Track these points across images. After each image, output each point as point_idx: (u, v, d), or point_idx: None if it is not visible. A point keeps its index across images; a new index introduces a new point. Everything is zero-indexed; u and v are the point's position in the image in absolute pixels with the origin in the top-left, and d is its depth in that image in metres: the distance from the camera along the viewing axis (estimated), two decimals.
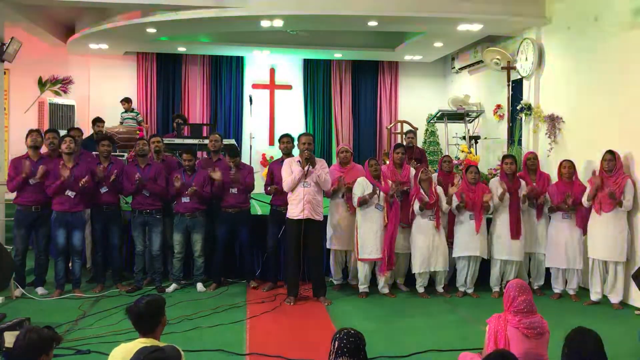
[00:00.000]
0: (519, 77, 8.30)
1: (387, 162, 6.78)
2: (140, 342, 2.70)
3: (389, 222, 5.96)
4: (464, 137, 9.25)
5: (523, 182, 6.30)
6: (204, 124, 10.28)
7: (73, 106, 10.14)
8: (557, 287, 6.27)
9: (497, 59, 8.59)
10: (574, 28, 7.17)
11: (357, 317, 5.46)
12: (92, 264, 6.53)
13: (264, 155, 11.21)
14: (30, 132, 6.06)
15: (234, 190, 6.36)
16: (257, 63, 11.55)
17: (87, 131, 8.38)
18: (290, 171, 5.82)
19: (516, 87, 8.46)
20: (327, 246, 6.34)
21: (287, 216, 5.93)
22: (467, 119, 9.36)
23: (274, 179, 6.34)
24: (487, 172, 7.84)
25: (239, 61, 11.51)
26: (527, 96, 8.08)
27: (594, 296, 5.99)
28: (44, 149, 6.27)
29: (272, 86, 11.69)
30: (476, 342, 4.34)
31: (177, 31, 9.21)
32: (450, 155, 9.23)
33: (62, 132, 8.28)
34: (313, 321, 5.35)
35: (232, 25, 8.56)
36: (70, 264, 6.19)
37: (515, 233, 6.19)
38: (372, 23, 8.13)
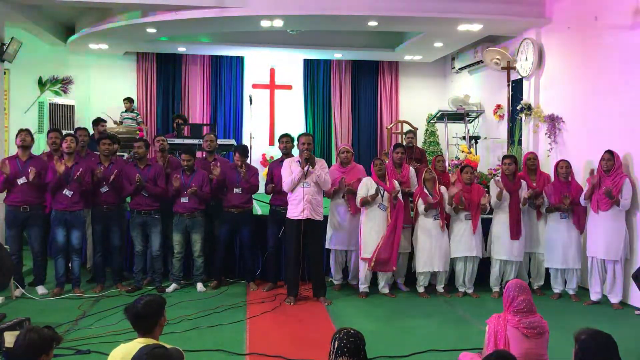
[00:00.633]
0: (519, 77, 8.31)
1: (387, 161, 6.78)
2: (139, 343, 2.70)
3: (391, 222, 5.96)
4: (464, 137, 9.25)
5: (524, 183, 6.30)
6: (204, 124, 10.29)
7: (73, 106, 10.13)
8: (556, 287, 6.27)
9: (497, 59, 8.59)
10: (574, 28, 7.17)
11: (357, 317, 5.46)
12: (93, 263, 6.53)
13: (264, 155, 11.22)
14: (20, 131, 6.05)
15: (238, 191, 6.35)
16: (257, 63, 11.54)
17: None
18: (290, 171, 5.82)
19: (516, 87, 8.46)
20: (327, 246, 6.34)
21: (287, 216, 5.93)
22: (467, 119, 9.36)
23: (273, 179, 6.34)
24: (487, 172, 7.84)
25: (239, 61, 11.51)
26: (527, 96, 8.08)
27: (594, 296, 5.99)
28: (44, 149, 6.27)
29: (272, 86, 11.69)
30: (476, 342, 4.34)
31: (177, 31, 9.22)
32: (451, 155, 9.24)
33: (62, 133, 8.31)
34: (313, 321, 5.35)
35: (232, 25, 8.56)
36: (70, 263, 6.19)
37: (515, 233, 6.19)
38: (372, 23, 8.14)
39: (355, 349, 2.51)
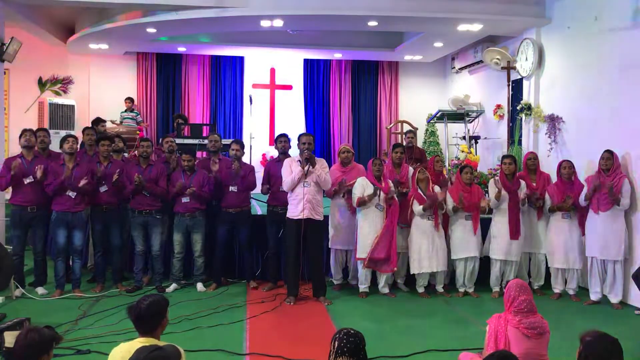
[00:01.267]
0: (519, 77, 8.31)
1: (387, 161, 6.79)
2: (140, 342, 2.70)
3: (386, 222, 5.95)
4: (464, 137, 9.25)
5: (523, 183, 6.30)
6: (204, 124, 10.28)
7: (73, 106, 10.13)
8: (557, 287, 6.27)
9: (497, 59, 8.59)
10: (574, 28, 7.17)
11: (357, 317, 5.45)
12: (94, 262, 6.52)
13: (264, 155, 11.20)
14: (24, 132, 6.05)
15: (234, 189, 6.33)
16: (257, 63, 11.53)
17: None
18: (290, 171, 5.82)
19: (516, 87, 8.46)
20: (328, 246, 6.33)
21: (287, 216, 5.93)
22: (467, 119, 9.36)
23: (270, 178, 6.34)
24: (487, 172, 7.84)
25: (239, 61, 11.50)
26: (527, 96, 8.09)
27: (594, 296, 5.99)
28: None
29: (272, 86, 11.69)
30: (476, 342, 4.34)
31: (177, 31, 9.21)
32: (451, 155, 9.24)
33: (62, 133, 8.32)
34: (313, 321, 5.35)
35: (232, 25, 8.56)
36: (70, 264, 6.19)
37: (514, 233, 6.19)
38: (372, 23, 8.13)
39: (355, 349, 2.51)
